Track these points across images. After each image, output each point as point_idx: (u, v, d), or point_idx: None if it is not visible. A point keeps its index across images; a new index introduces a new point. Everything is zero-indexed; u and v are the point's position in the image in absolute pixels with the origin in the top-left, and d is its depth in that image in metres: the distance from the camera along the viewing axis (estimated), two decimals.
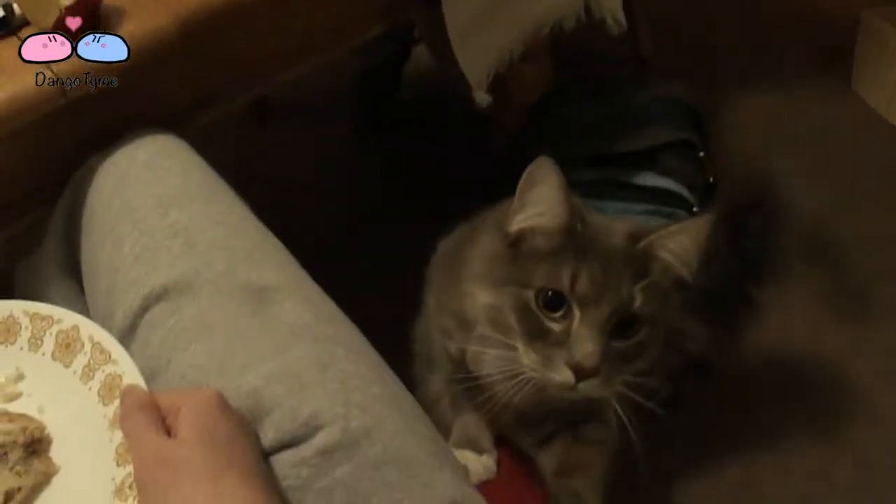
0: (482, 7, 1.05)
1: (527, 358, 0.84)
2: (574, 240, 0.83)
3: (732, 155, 1.72)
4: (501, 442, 1.11)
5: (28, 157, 0.87)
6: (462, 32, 1.07)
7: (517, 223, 0.87)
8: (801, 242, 1.63)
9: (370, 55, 1.70)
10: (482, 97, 1.08)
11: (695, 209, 1.34)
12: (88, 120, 0.87)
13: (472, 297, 0.91)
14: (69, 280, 0.89)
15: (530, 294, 0.84)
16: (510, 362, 0.88)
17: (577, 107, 1.41)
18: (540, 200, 0.85)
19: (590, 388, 0.76)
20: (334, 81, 1.75)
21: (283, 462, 0.68)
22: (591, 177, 1.31)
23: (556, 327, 0.81)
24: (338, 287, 0.81)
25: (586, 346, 0.74)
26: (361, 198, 1.73)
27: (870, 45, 1.84)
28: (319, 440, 0.68)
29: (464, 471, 0.76)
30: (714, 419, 1.43)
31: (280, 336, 0.74)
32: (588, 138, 1.36)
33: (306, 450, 0.68)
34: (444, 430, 1.05)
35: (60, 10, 0.80)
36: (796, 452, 1.41)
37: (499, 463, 1.14)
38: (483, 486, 1.07)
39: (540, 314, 0.82)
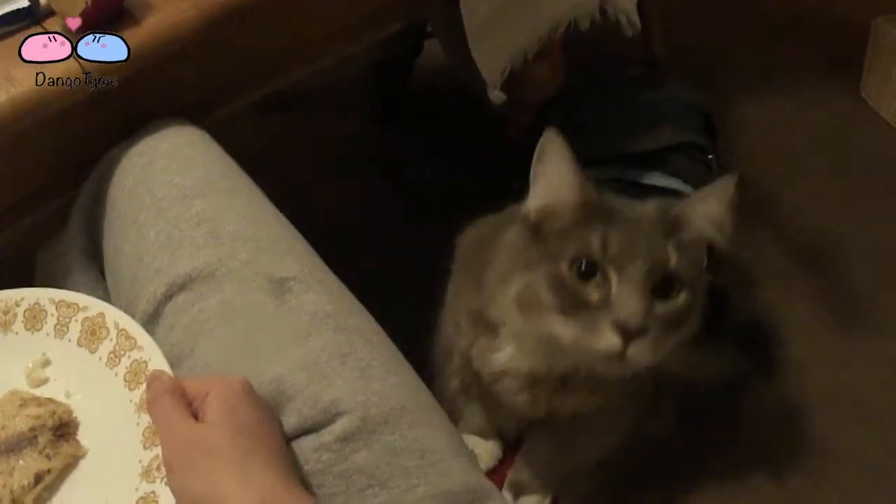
0: (499, 7, 1.06)
1: (565, 331, 0.80)
2: (597, 210, 0.80)
3: (739, 159, 1.73)
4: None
5: (51, 146, 0.88)
6: (479, 32, 1.08)
7: (533, 201, 0.86)
8: (804, 248, 1.63)
9: (383, 47, 1.70)
10: (497, 95, 1.09)
11: None
12: (110, 111, 0.88)
13: (500, 296, 0.89)
14: (91, 267, 0.91)
15: (563, 266, 0.81)
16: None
17: (588, 106, 1.42)
18: (551, 175, 0.83)
19: (640, 352, 0.71)
20: (347, 72, 1.76)
21: (304, 447, 0.70)
22: (601, 175, 1.31)
23: (594, 295, 0.77)
24: (346, 281, 0.82)
25: (630, 303, 0.70)
26: (371, 192, 1.73)
27: (880, 52, 1.85)
28: (339, 427, 0.70)
29: (475, 458, 0.78)
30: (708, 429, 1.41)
31: (302, 325, 0.75)
32: (598, 138, 1.36)
33: (327, 435, 0.70)
34: (455, 417, 1.08)
35: (87, 0, 0.80)
36: (794, 460, 1.39)
37: (504, 451, 1.17)
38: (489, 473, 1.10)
39: (575, 284, 0.79)
